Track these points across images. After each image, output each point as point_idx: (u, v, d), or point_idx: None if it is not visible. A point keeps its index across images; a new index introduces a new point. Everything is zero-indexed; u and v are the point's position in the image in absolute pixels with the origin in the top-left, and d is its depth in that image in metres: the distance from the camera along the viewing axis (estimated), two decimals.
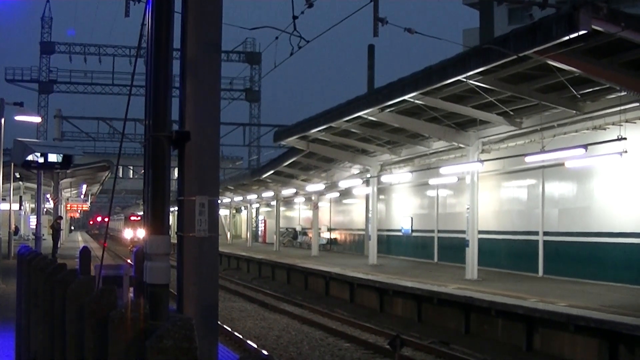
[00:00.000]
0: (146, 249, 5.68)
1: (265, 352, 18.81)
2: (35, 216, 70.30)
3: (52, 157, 17.79)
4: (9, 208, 41.94)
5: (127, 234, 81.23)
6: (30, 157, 18.10)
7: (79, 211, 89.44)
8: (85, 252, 8.25)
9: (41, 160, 17.77)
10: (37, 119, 33.65)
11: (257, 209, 78.60)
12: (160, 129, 5.65)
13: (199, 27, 5.77)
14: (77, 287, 4.96)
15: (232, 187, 65.14)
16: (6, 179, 37.28)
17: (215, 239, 5.75)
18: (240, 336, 21.29)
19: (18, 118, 32.08)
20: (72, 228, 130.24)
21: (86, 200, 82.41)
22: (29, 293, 7.87)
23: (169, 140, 5.65)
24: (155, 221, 5.60)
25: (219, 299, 21.85)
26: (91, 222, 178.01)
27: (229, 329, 22.53)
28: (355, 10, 15.35)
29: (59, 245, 42.51)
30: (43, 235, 53.54)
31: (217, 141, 5.95)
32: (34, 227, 63.81)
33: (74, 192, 71.91)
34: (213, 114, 5.81)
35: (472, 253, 27.22)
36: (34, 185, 49.73)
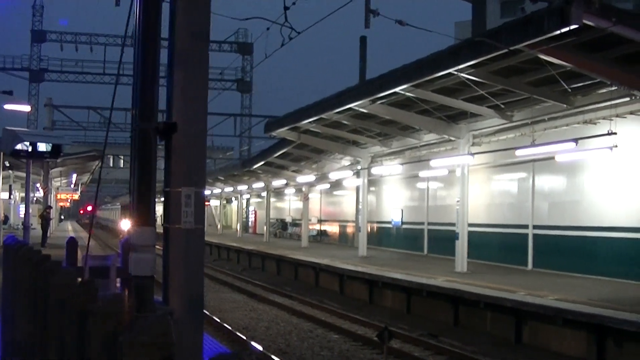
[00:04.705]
0: (131, 240, 5.65)
1: (258, 346, 18.82)
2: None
3: (42, 147, 17.68)
4: None
5: (124, 224, 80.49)
6: (19, 146, 17.99)
7: (69, 201, 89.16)
8: (72, 242, 8.21)
9: (30, 149, 17.69)
10: (26, 108, 33.57)
11: (248, 200, 78.55)
12: (146, 120, 5.61)
13: (188, 16, 5.72)
14: (59, 279, 4.92)
15: (222, 178, 65.11)
16: None
17: (201, 231, 5.71)
18: (230, 327, 21.26)
19: (7, 107, 32.00)
20: (62, 217, 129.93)
21: (76, 190, 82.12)
22: (15, 283, 7.83)
23: (155, 131, 5.61)
24: (141, 213, 5.57)
25: (209, 290, 21.77)
26: (82, 212, 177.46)
27: (218, 320, 22.51)
28: (347, 1, 15.28)
29: (48, 235, 42.39)
30: (32, 224, 53.44)
31: (204, 132, 5.92)
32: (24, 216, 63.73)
33: (64, 181, 71.67)
34: (200, 105, 5.76)
35: (462, 246, 27.25)
36: (24, 174, 49.64)
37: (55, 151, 17.76)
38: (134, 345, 3.20)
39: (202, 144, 5.83)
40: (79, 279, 5.14)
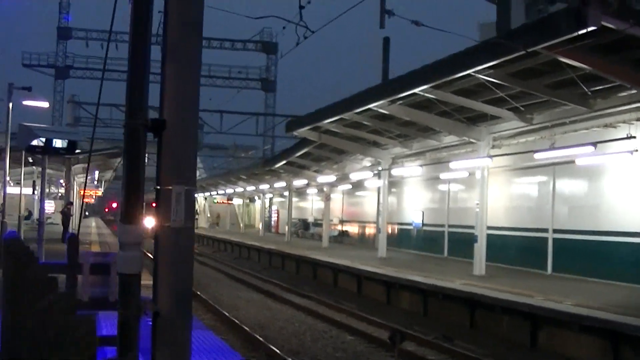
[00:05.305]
0: (118, 238, 5.61)
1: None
2: (49, 201, 70.71)
3: (57, 143, 17.69)
4: (18, 192, 41.99)
5: (148, 222, 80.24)
6: (35, 142, 18.01)
7: (93, 197, 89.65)
8: (72, 239, 8.19)
9: (45, 145, 17.71)
10: (45, 104, 33.66)
11: (271, 199, 78.69)
12: (135, 116, 5.56)
13: (179, 7, 5.65)
14: (29, 273, 4.89)
15: (244, 177, 65.23)
16: (18, 163, 37.32)
17: (190, 230, 5.64)
18: (244, 326, 21.20)
19: (26, 103, 32.08)
20: (87, 214, 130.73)
21: (98, 187, 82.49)
22: (5, 278, 7.85)
23: (144, 127, 5.56)
24: (128, 210, 5.52)
25: (226, 287, 21.77)
26: (106, 209, 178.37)
27: (231, 317, 22.52)
28: (359, 1, 15.20)
29: (69, 231, 42.57)
30: (52, 220, 53.64)
31: (196, 129, 5.83)
32: (48, 211, 64.07)
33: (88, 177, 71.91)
34: (192, 100, 5.68)
35: (480, 249, 27.11)
36: (49, 170, 49.86)
37: (71, 147, 17.72)
38: (58, 344, 3.14)
39: (193, 142, 5.75)
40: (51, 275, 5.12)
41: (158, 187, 5.64)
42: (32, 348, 3.76)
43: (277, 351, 17.51)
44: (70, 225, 41.75)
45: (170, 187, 5.59)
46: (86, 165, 49.84)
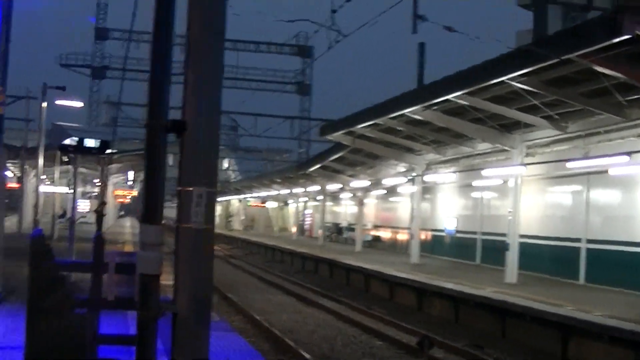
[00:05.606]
0: (139, 238, 5.67)
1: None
2: (84, 200, 71.34)
3: (89, 142, 17.88)
4: (53, 191, 42.45)
5: None
6: (67, 141, 18.22)
7: (129, 197, 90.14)
8: (98, 238, 8.26)
9: (77, 144, 17.90)
10: (79, 104, 34.00)
11: (305, 203, 78.80)
12: (155, 117, 5.63)
13: (202, 11, 5.70)
14: (40, 272, 4.97)
15: (279, 180, 65.35)
16: (52, 162, 37.74)
17: (211, 232, 5.68)
18: (275, 330, 21.23)
19: (59, 102, 32.43)
20: (122, 213, 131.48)
21: (133, 187, 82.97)
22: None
23: (164, 129, 5.62)
24: (148, 210, 5.58)
25: (257, 291, 21.83)
26: None
27: (261, 321, 22.57)
28: (393, 4, 15.22)
29: (102, 230, 42.90)
30: (85, 218, 54.08)
31: (217, 132, 5.88)
32: (82, 210, 64.65)
33: (121, 177, 72.49)
34: (213, 104, 5.73)
35: (512, 256, 26.99)
36: (84, 170, 50.41)
37: (103, 147, 17.90)
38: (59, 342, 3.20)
39: (215, 143, 5.80)
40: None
41: (179, 188, 5.70)
42: (40, 346, 3.82)
43: (307, 355, 17.51)
44: (104, 224, 42.08)
45: (191, 189, 5.64)
46: (121, 165, 50.35)
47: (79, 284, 9.12)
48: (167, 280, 5.91)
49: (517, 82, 21.22)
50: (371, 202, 55.49)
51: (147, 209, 5.62)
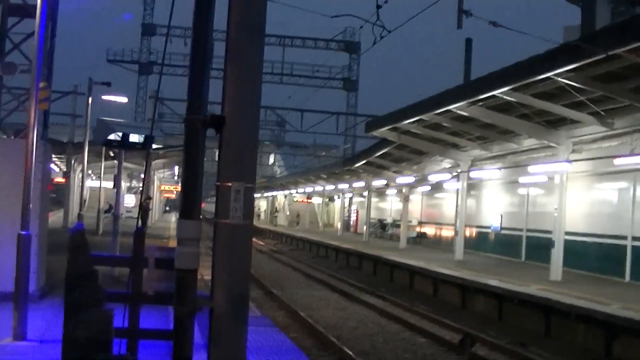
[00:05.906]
0: (177, 233, 5.71)
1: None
2: (129, 195, 71.83)
3: (133, 138, 18.01)
4: (99, 186, 42.82)
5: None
6: (112, 137, 18.37)
7: (174, 192, 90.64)
8: (139, 233, 8.33)
9: (122, 139, 18.06)
10: (123, 99, 34.31)
11: (350, 199, 78.67)
12: (194, 112, 5.66)
13: (242, 7, 5.72)
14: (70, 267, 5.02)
15: (324, 176, 65.39)
16: (98, 157, 38.08)
17: (249, 227, 5.68)
18: (320, 327, 21.25)
19: (105, 97, 32.80)
20: (167, 208, 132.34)
21: (179, 182, 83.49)
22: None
23: (203, 123, 5.65)
24: (186, 205, 5.62)
25: (302, 286, 21.86)
26: None
27: (307, 317, 22.61)
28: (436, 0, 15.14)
29: (147, 225, 43.28)
30: (130, 213, 54.48)
31: (256, 126, 5.88)
32: (128, 205, 65.15)
33: (167, 173, 72.91)
34: (252, 99, 5.74)
35: (557, 254, 26.77)
36: (130, 165, 50.76)
37: (147, 142, 18.01)
38: (72, 339, 3.22)
39: (254, 138, 5.81)
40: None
41: (218, 183, 5.72)
42: (75, 340, 3.87)
43: (349, 352, 17.52)
44: (148, 219, 42.45)
45: (229, 184, 5.65)
46: (166, 160, 50.66)
47: (121, 279, 9.22)
48: (208, 275, 5.93)
49: (564, 78, 21.02)
50: (416, 199, 55.31)
51: (185, 204, 5.65)
